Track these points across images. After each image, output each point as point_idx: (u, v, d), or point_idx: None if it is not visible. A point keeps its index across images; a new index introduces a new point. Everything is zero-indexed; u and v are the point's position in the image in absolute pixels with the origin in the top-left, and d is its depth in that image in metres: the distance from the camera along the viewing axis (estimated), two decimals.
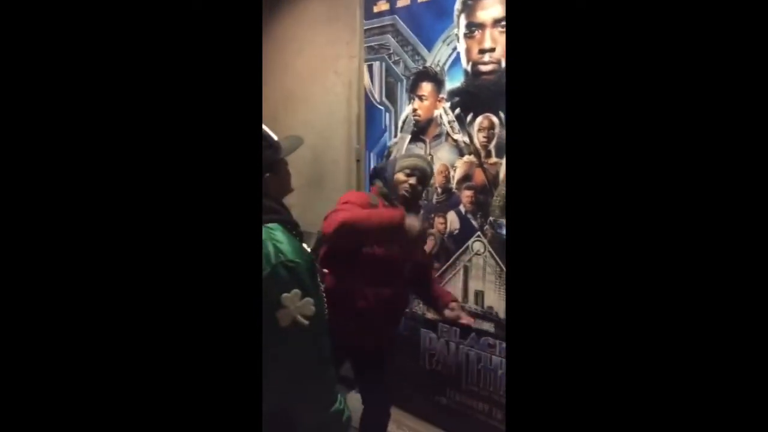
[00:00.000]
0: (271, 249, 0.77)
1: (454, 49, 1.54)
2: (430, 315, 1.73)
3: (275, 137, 0.88)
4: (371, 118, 1.83)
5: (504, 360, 1.55)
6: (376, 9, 1.75)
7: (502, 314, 1.55)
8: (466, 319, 1.43)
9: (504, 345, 1.55)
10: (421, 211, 1.49)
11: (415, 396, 1.81)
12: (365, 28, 1.79)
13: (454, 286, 1.66)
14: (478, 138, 1.53)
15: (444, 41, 1.56)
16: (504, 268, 1.52)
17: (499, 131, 1.48)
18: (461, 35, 1.51)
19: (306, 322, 0.78)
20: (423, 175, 1.40)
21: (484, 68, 1.48)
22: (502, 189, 1.49)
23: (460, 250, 1.63)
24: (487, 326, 1.59)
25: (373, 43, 1.77)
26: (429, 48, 1.61)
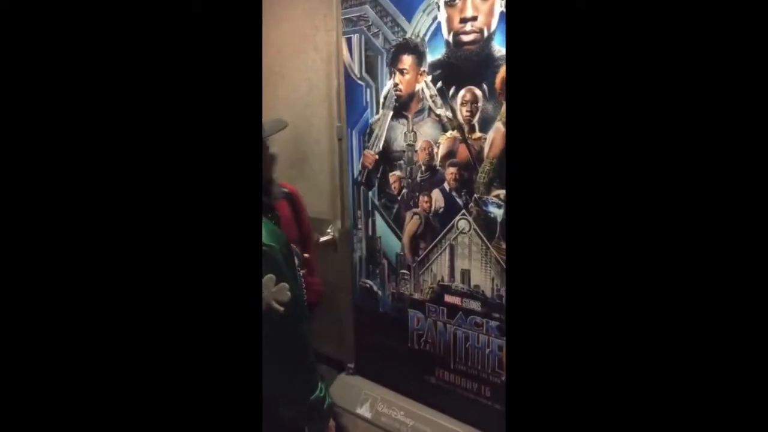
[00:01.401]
0: None
1: (435, 18, 1.47)
2: (417, 296, 1.71)
3: None
4: (351, 95, 1.76)
5: (490, 338, 1.54)
6: None
7: (488, 293, 1.53)
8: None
9: (491, 323, 1.54)
10: None
11: (405, 376, 1.80)
12: None
13: (440, 266, 1.63)
14: (461, 112, 1.47)
15: (424, 10, 1.49)
16: (489, 246, 1.49)
17: (483, 104, 1.43)
18: (442, 3, 1.44)
19: (281, 308, 0.74)
20: None
21: (465, 38, 1.41)
22: (486, 165, 1.45)
23: (446, 229, 1.60)
24: (474, 305, 1.57)
25: (351, 15, 1.69)
26: (409, 18, 1.54)
